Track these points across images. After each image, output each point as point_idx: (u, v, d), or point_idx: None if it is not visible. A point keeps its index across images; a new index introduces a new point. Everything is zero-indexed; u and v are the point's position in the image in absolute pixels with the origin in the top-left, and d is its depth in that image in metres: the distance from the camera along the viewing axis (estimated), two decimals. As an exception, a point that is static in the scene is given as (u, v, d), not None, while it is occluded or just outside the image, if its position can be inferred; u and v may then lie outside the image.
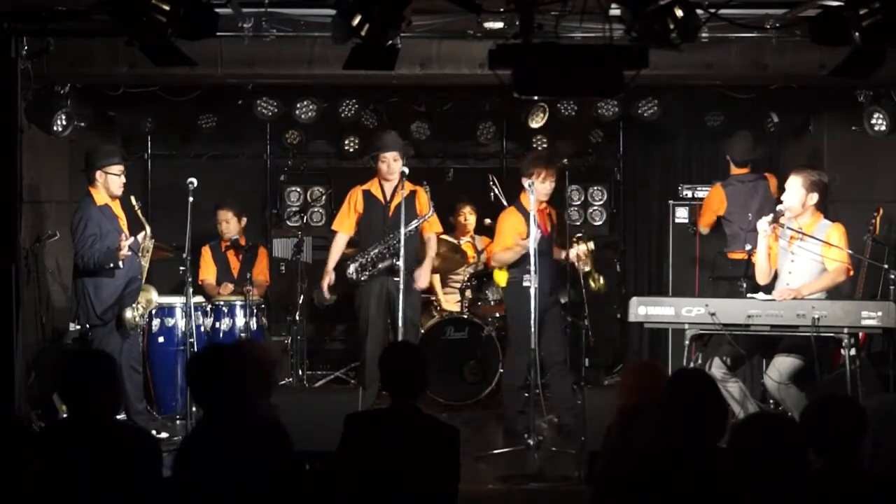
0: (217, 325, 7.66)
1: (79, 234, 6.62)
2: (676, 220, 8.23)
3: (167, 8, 4.88)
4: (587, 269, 7.38)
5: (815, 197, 6.20)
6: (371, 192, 7.40)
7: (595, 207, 9.26)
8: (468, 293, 8.29)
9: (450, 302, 8.57)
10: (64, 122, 7.24)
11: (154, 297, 6.92)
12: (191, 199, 6.64)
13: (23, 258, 6.59)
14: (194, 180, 6.69)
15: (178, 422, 7.34)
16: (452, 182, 9.16)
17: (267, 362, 4.70)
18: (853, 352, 5.95)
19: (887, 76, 5.88)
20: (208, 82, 7.61)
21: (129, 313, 6.70)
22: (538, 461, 6.35)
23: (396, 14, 4.94)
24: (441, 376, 7.72)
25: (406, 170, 7.15)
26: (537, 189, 6.84)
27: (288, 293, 8.50)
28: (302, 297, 8.08)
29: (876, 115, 7.49)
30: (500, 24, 6.24)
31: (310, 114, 8.37)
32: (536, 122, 8.64)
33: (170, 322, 7.57)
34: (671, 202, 8.30)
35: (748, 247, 6.82)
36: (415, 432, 4.05)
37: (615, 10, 5.03)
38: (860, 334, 6.18)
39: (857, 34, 4.87)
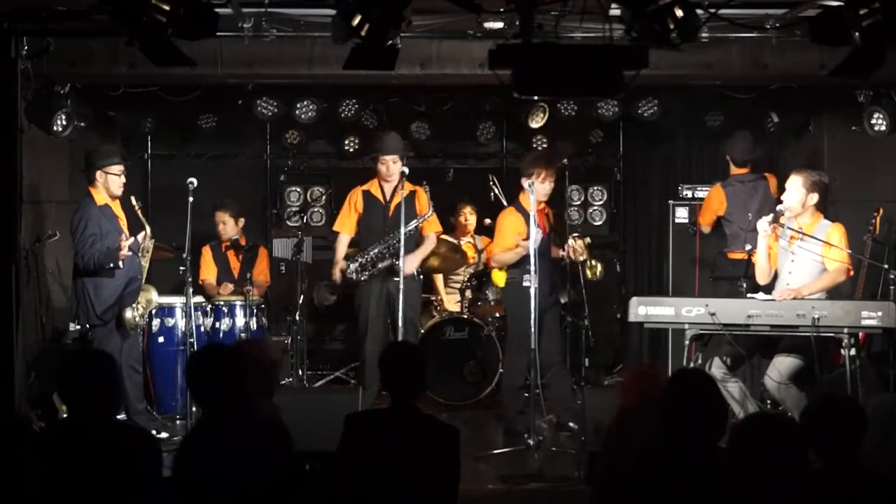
0: (217, 325, 7.66)
1: (79, 234, 6.62)
2: (676, 220, 8.21)
3: (167, 8, 4.88)
4: (583, 258, 7.30)
5: (815, 197, 6.20)
6: (371, 192, 7.40)
7: (595, 207, 9.26)
8: (468, 293, 8.28)
9: (450, 302, 8.57)
10: (64, 122, 7.24)
11: (154, 297, 6.93)
12: (191, 199, 6.64)
13: (23, 258, 6.59)
14: (194, 180, 6.69)
15: (178, 422, 7.34)
16: (452, 182, 9.15)
17: (267, 362, 4.69)
18: (853, 352, 5.95)
19: (887, 76, 5.88)
20: (208, 82, 7.61)
21: (129, 313, 6.70)
22: (538, 461, 6.34)
23: (396, 14, 4.94)
24: (441, 376, 7.72)
25: (406, 170, 7.15)
26: (537, 189, 6.84)
27: (288, 293, 8.49)
28: (302, 297, 8.07)
29: (876, 115, 7.49)
30: (500, 24, 6.24)
31: (310, 114, 8.36)
32: (536, 122, 8.63)
33: (170, 322, 7.57)
34: (671, 202, 8.29)
35: (748, 247, 6.82)
36: (415, 432, 4.05)
37: (615, 10, 5.03)
38: (860, 334, 6.18)
39: (857, 34, 4.86)
